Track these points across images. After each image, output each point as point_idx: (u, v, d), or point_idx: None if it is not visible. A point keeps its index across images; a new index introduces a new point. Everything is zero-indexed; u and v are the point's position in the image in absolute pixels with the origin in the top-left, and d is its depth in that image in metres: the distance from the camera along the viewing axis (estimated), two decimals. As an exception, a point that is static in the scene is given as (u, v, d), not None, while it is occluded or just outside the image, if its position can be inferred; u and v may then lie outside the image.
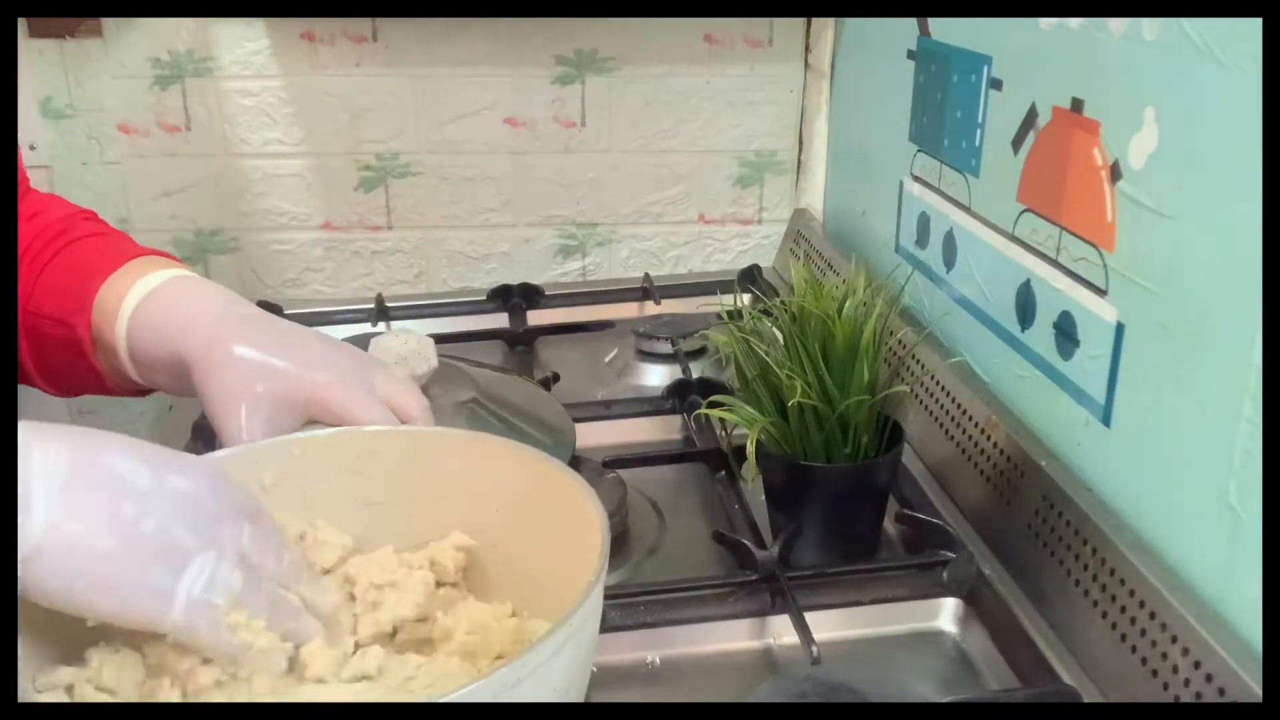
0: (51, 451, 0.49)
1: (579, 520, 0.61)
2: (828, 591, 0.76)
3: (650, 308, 1.28)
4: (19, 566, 0.47)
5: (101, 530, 0.49)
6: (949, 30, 0.94)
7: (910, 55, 1.02)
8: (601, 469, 0.88)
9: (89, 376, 0.74)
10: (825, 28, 1.28)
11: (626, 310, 1.28)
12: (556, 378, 1.07)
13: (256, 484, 0.64)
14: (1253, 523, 0.58)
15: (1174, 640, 0.61)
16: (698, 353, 1.13)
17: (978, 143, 0.89)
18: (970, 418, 0.86)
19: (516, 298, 1.26)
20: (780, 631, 0.74)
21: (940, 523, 0.80)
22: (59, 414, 1.43)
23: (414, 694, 0.58)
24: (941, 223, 0.96)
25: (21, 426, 0.48)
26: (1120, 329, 0.70)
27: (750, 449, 0.79)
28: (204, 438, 0.90)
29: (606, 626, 0.65)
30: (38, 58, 1.28)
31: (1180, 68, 0.62)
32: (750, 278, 1.30)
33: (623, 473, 0.88)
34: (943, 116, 0.95)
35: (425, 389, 0.88)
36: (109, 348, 0.71)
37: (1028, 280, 0.81)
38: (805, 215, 1.35)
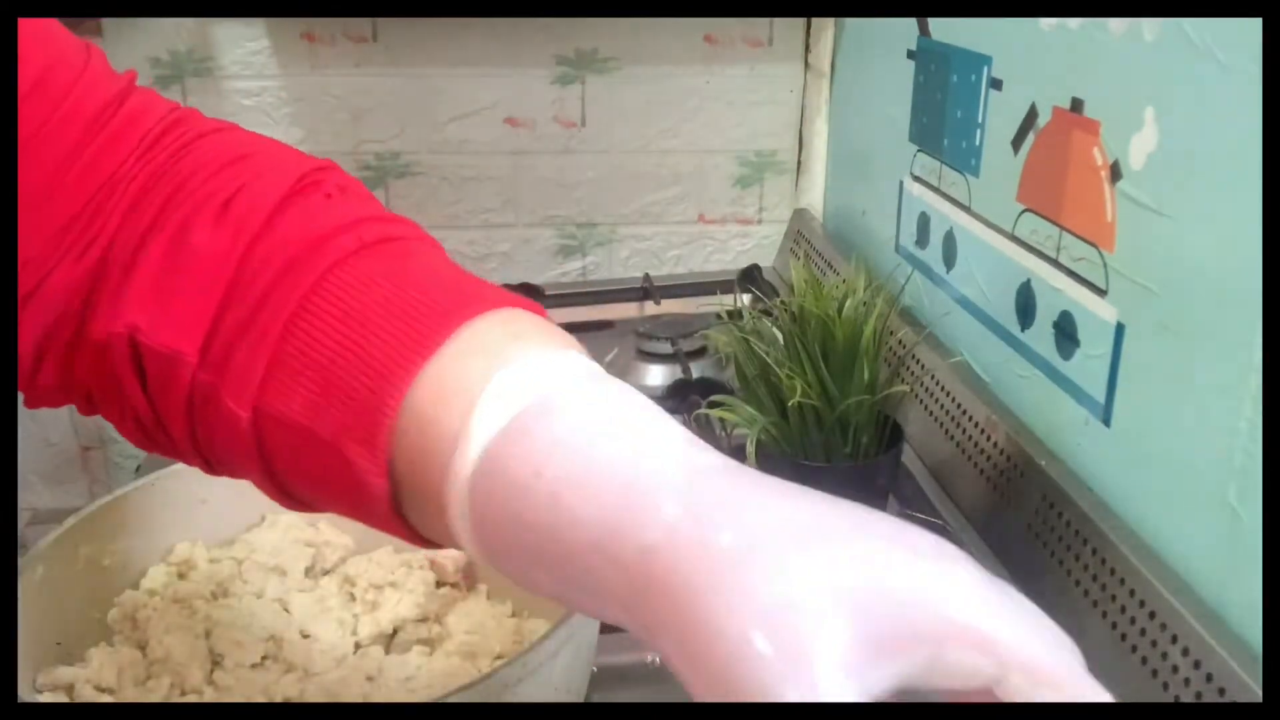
0: None
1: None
2: (828, 591, 0.76)
3: (650, 308, 1.28)
4: None
5: None
6: (949, 30, 0.94)
7: (910, 55, 1.02)
8: (601, 469, 0.88)
9: (375, 523, 0.41)
10: (825, 28, 1.28)
11: (626, 310, 1.28)
12: (556, 378, 1.07)
13: (256, 484, 0.64)
14: (1253, 523, 0.58)
15: (1174, 640, 0.61)
16: (698, 353, 1.13)
17: (978, 143, 0.88)
18: (970, 418, 0.86)
19: (516, 298, 1.26)
20: (780, 631, 0.74)
21: (940, 523, 0.80)
22: (59, 414, 1.43)
23: (414, 694, 0.58)
24: (941, 223, 0.96)
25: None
26: (1120, 329, 0.70)
27: (750, 449, 0.79)
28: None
29: (606, 626, 0.64)
30: (38, 58, 1.28)
31: (1180, 68, 0.62)
32: (750, 278, 1.30)
33: (623, 473, 0.88)
34: (943, 116, 0.95)
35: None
36: (429, 515, 0.38)
37: (1028, 280, 0.81)
38: (805, 215, 1.35)
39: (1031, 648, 0.32)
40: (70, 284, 0.42)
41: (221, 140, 0.45)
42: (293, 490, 0.42)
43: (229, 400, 0.39)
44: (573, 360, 0.37)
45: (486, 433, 0.35)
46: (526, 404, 0.35)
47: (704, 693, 0.30)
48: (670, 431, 0.35)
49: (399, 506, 0.38)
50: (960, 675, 0.30)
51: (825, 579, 0.29)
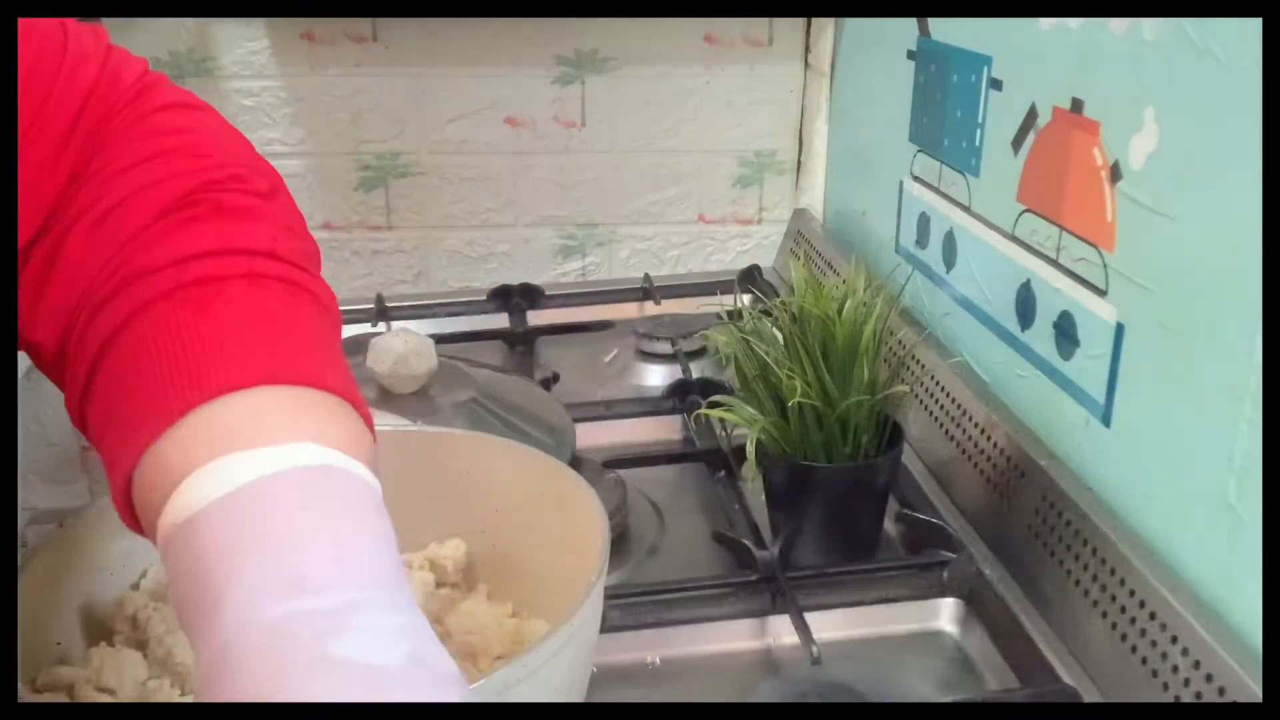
0: None
1: (579, 520, 0.61)
2: (828, 591, 0.76)
3: (650, 308, 1.28)
4: None
5: None
6: (949, 30, 0.94)
7: (910, 55, 1.02)
8: (601, 469, 0.88)
9: None
10: (825, 28, 1.28)
11: (626, 310, 1.28)
12: (556, 378, 1.07)
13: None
14: (1253, 523, 0.58)
15: (1174, 640, 0.61)
16: (698, 353, 1.13)
17: (978, 143, 0.88)
18: (970, 418, 0.86)
19: (516, 298, 1.26)
20: (780, 631, 0.74)
21: (940, 523, 0.80)
22: (59, 415, 1.43)
23: (414, 694, 0.58)
24: (941, 223, 0.96)
25: None
26: (1120, 329, 0.70)
27: (750, 449, 0.79)
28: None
29: (606, 626, 0.65)
30: (38, 58, 1.28)
31: (1180, 68, 0.62)
32: (750, 278, 1.30)
33: (623, 473, 0.88)
34: (943, 116, 0.95)
35: (425, 389, 0.88)
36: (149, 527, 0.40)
37: (1028, 280, 0.81)
38: (805, 215, 1.35)
39: None
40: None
41: (153, 126, 0.46)
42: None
43: (69, 399, 0.45)
44: (292, 453, 0.37)
45: (173, 520, 0.37)
46: (215, 497, 0.36)
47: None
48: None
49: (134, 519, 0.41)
50: None
51: None
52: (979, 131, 0.88)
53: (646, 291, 1.28)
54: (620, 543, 0.83)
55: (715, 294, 0.99)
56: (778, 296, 0.91)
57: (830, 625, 0.74)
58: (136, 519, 0.40)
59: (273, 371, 0.39)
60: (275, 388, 0.39)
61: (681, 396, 1.01)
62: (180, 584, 0.36)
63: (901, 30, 1.03)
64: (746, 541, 0.78)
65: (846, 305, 0.78)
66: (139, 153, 0.45)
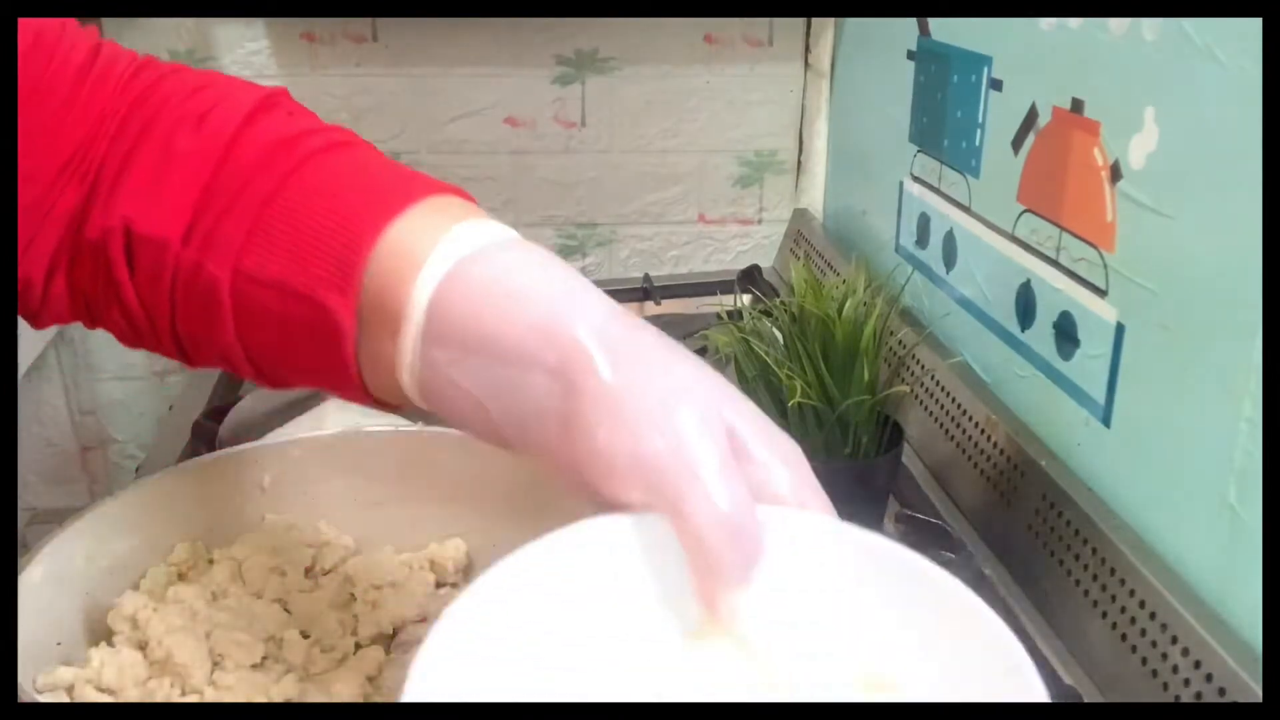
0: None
1: (579, 520, 0.61)
2: (828, 591, 0.76)
3: (650, 308, 1.28)
4: None
5: None
6: (949, 30, 0.94)
7: (910, 55, 1.02)
8: (601, 469, 0.88)
9: (331, 375, 0.46)
10: (825, 28, 1.28)
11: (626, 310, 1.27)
12: (556, 378, 1.07)
13: (256, 485, 0.64)
14: (1253, 523, 0.58)
15: (1174, 640, 0.61)
16: (698, 353, 1.12)
17: (978, 143, 0.88)
18: (970, 418, 0.86)
19: (516, 298, 1.26)
20: (780, 631, 0.74)
21: (940, 523, 0.80)
22: (59, 415, 1.43)
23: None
24: (941, 223, 0.96)
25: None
26: (1120, 329, 0.70)
27: (750, 449, 0.78)
28: (204, 438, 0.90)
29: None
30: (38, 58, 1.28)
31: (1180, 68, 0.62)
32: (750, 278, 1.30)
33: (623, 473, 0.88)
34: (943, 116, 0.95)
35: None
36: (384, 344, 0.43)
37: (1028, 280, 0.81)
38: (805, 215, 1.35)
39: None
40: (72, 208, 0.47)
41: (185, 75, 0.51)
42: (259, 356, 0.47)
43: (210, 266, 0.45)
44: (507, 230, 0.44)
45: (445, 263, 0.42)
46: (480, 246, 0.42)
47: (605, 474, 0.38)
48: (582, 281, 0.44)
49: (358, 354, 0.44)
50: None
51: (699, 416, 0.39)
52: (979, 131, 0.88)
53: (646, 291, 1.28)
54: (620, 543, 0.83)
55: (715, 294, 0.99)
56: (778, 296, 0.91)
57: (830, 625, 0.74)
58: (348, 293, 0.43)
59: (427, 188, 0.45)
60: (434, 197, 0.45)
61: (681, 396, 1.01)
62: (484, 306, 0.41)
63: (901, 30, 1.03)
64: (746, 541, 0.78)
65: (846, 305, 0.78)
66: (194, 84, 0.50)
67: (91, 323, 0.51)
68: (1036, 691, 0.34)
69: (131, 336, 0.50)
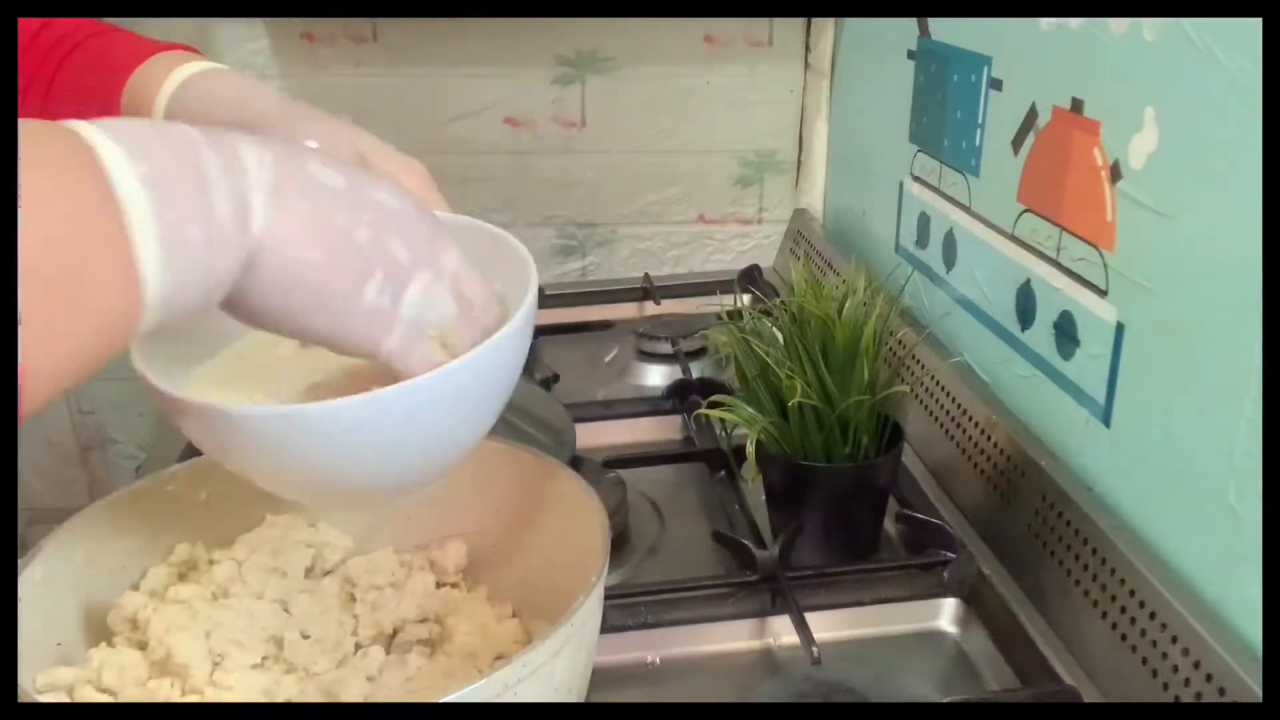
0: (259, 154, 0.44)
1: (579, 520, 0.61)
2: (828, 592, 0.76)
3: (650, 308, 1.28)
4: (242, 275, 0.43)
5: (315, 240, 0.44)
6: (949, 30, 0.94)
7: (910, 55, 1.02)
8: (601, 469, 0.88)
9: None
10: (825, 28, 1.28)
11: (626, 310, 1.28)
12: (556, 378, 1.07)
13: (256, 485, 0.64)
14: (1253, 523, 0.58)
15: (1174, 640, 0.61)
16: (698, 353, 1.13)
17: (978, 143, 0.89)
18: (970, 418, 0.86)
19: (516, 298, 1.25)
20: (780, 632, 0.74)
21: (940, 523, 0.80)
22: (59, 415, 1.43)
23: (414, 694, 0.58)
24: (941, 223, 0.96)
25: (221, 129, 0.44)
26: (1120, 329, 0.70)
27: (750, 449, 0.79)
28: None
29: (606, 626, 0.65)
30: (38, 58, 1.28)
31: (1180, 68, 0.62)
32: (750, 278, 1.30)
33: (623, 473, 0.88)
34: (943, 116, 0.95)
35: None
36: None
37: (1028, 280, 0.81)
38: (805, 215, 1.35)
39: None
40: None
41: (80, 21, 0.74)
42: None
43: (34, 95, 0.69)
44: (212, 64, 0.69)
45: (166, 96, 0.66)
46: (185, 78, 0.67)
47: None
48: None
49: None
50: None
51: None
52: (979, 131, 0.88)
53: (646, 291, 1.28)
54: (620, 543, 0.83)
55: (715, 294, 0.99)
56: (778, 296, 0.91)
57: (830, 625, 0.74)
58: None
59: (158, 48, 0.70)
60: (171, 51, 0.70)
61: (682, 396, 1.01)
62: (215, 106, 0.66)
63: (901, 30, 1.03)
64: (746, 541, 0.78)
65: (846, 305, 0.78)
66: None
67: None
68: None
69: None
